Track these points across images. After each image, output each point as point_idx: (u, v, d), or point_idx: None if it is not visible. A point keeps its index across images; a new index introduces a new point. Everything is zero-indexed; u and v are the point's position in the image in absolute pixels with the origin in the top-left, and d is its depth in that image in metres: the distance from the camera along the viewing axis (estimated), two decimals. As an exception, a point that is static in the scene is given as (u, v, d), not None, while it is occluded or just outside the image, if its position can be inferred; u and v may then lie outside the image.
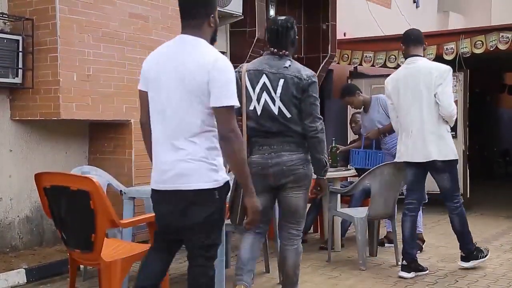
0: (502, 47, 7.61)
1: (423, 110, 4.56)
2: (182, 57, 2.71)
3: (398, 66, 8.47)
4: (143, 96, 2.83)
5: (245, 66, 3.60)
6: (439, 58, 8.09)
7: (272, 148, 3.51)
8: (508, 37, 7.55)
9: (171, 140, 2.70)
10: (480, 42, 7.78)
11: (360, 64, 8.82)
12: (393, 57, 8.43)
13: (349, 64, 8.91)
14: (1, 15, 4.79)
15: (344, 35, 9.46)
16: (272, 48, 3.57)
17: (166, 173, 2.71)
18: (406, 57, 4.79)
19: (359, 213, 4.99)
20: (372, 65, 8.70)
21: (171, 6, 5.71)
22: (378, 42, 8.71)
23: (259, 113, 3.51)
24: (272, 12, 7.97)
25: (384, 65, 8.57)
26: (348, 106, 7.29)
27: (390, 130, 5.56)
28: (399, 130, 4.80)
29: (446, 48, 7.99)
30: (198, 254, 2.78)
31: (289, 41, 3.56)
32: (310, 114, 3.51)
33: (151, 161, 2.86)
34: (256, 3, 7.11)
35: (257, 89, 3.52)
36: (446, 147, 4.59)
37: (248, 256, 3.62)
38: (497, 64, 11.41)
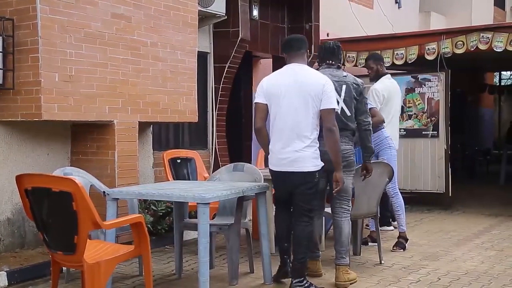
0: (482, 47, 7.70)
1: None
2: (302, 77, 4.10)
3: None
4: (262, 108, 4.14)
5: None
6: (421, 58, 8.20)
7: None
8: (488, 37, 7.64)
9: (292, 135, 4.03)
10: (461, 43, 7.87)
11: (343, 64, 8.85)
12: (376, 57, 8.47)
13: (332, 64, 8.93)
14: (-19, 15, 4.74)
15: (327, 35, 9.50)
16: (330, 61, 4.57)
17: (284, 160, 4.08)
18: (384, 73, 6.15)
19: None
20: (355, 65, 8.74)
21: (154, 6, 5.69)
22: (360, 42, 8.76)
23: None
24: (255, 13, 7.97)
25: (367, 65, 8.62)
26: None
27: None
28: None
29: (428, 48, 8.06)
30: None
31: (340, 58, 4.63)
32: (365, 111, 4.58)
33: (267, 154, 4.23)
34: (239, 4, 7.11)
35: None
36: None
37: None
38: (478, 64, 11.55)
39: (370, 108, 5.62)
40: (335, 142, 4.07)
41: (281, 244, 4.35)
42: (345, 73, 4.54)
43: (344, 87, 4.44)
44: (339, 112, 4.39)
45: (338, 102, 4.35)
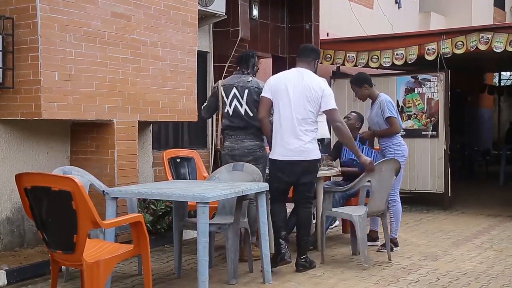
0: (482, 47, 7.71)
1: None
2: (306, 78, 4.75)
3: (380, 66, 8.58)
4: (267, 101, 4.81)
5: (220, 82, 5.20)
6: (420, 58, 8.21)
7: (238, 137, 5.05)
8: (488, 37, 7.65)
9: (295, 129, 4.67)
10: (460, 43, 7.88)
11: (343, 64, 8.87)
12: (376, 57, 8.48)
13: (332, 64, 8.95)
14: (-20, 13, 4.73)
15: (327, 35, 9.51)
16: (240, 68, 5.19)
17: (291, 150, 4.69)
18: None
19: (358, 211, 5.00)
20: (355, 65, 8.75)
21: (153, 5, 5.69)
22: (360, 42, 8.77)
23: (231, 113, 5.06)
24: (255, 12, 7.97)
25: (367, 65, 8.63)
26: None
27: (384, 135, 5.53)
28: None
29: (428, 49, 8.07)
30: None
31: (250, 65, 5.17)
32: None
33: (270, 144, 4.85)
34: (239, 3, 7.11)
35: (230, 97, 5.06)
36: None
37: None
38: (478, 64, 11.57)
39: (388, 117, 5.44)
40: (344, 134, 4.81)
41: (279, 233, 4.73)
42: (250, 78, 5.09)
43: (246, 91, 5.01)
44: (243, 113, 4.98)
45: (242, 105, 4.98)
